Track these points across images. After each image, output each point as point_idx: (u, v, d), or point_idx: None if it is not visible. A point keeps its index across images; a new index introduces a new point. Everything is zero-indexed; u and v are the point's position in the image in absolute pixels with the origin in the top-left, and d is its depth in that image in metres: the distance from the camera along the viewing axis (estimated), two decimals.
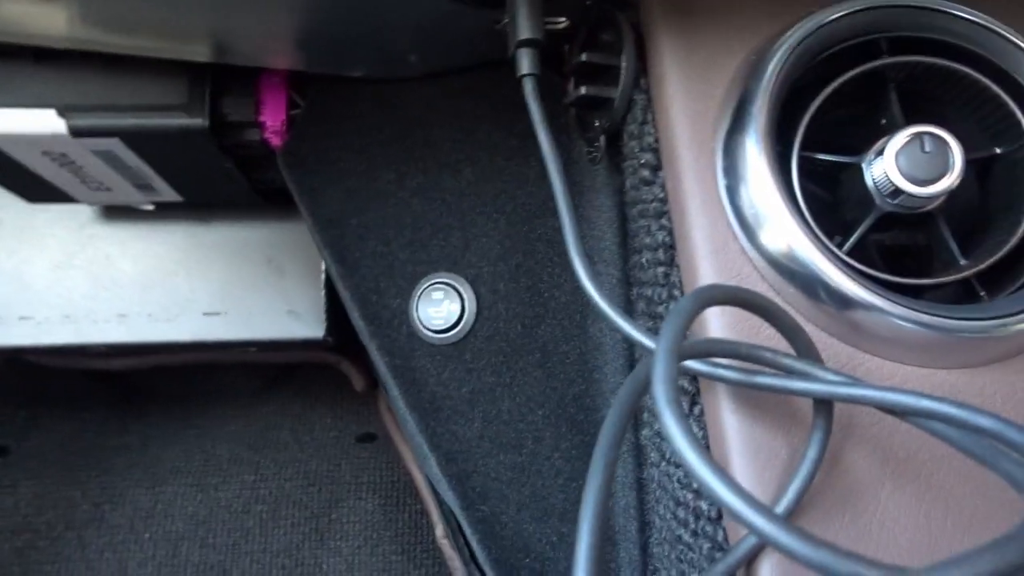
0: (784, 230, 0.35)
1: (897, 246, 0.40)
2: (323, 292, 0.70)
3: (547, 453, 0.52)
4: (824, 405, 0.32)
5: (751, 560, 0.33)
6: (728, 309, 0.35)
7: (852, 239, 0.37)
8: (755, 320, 0.34)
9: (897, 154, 0.35)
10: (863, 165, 0.37)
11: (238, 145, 0.55)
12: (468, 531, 0.50)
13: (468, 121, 0.56)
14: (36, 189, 0.61)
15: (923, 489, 0.33)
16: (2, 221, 0.71)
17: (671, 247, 0.40)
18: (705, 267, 0.37)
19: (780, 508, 0.32)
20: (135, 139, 0.52)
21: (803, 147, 0.38)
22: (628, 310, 0.47)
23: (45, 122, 0.50)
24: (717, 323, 0.35)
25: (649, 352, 0.34)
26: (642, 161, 0.42)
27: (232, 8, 0.43)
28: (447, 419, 0.52)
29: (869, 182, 0.37)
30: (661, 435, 0.42)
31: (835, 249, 0.35)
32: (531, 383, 0.53)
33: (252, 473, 0.87)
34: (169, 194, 0.64)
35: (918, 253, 0.40)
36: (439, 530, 0.80)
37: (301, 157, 0.55)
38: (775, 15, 0.40)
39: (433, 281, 0.54)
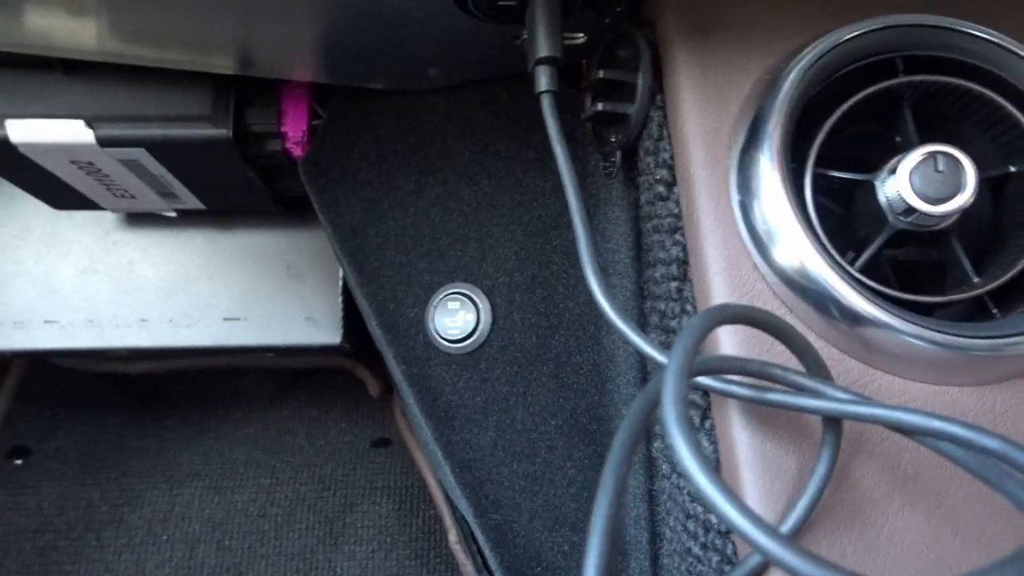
0: (796, 246, 0.35)
1: (910, 262, 0.40)
2: (340, 299, 0.71)
3: (560, 463, 0.52)
4: (833, 422, 0.33)
5: (759, 574, 0.33)
6: (740, 326, 0.35)
7: (864, 256, 0.37)
8: (766, 336, 0.35)
9: (911, 173, 0.35)
10: (876, 183, 0.37)
11: (260, 155, 0.57)
12: (481, 539, 0.50)
13: (486, 133, 0.57)
14: (63, 196, 0.62)
15: (932, 506, 0.33)
16: (30, 227, 0.73)
17: (685, 262, 0.40)
18: (718, 283, 0.37)
19: (789, 523, 0.32)
20: (160, 149, 0.54)
21: (817, 164, 0.38)
22: (641, 323, 0.48)
23: (73, 132, 0.51)
24: (729, 339, 0.36)
25: (660, 367, 0.34)
26: (657, 177, 0.42)
27: (258, 23, 0.44)
28: (461, 427, 0.52)
29: (882, 200, 0.37)
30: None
31: (847, 266, 0.35)
32: (545, 393, 0.53)
33: (268, 477, 0.88)
34: (192, 202, 0.65)
35: (931, 270, 0.40)
36: (452, 535, 0.81)
37: (322, 167, 0.56)
38: (790, 34, 0.40)
39: (449, 291, 0.54)
